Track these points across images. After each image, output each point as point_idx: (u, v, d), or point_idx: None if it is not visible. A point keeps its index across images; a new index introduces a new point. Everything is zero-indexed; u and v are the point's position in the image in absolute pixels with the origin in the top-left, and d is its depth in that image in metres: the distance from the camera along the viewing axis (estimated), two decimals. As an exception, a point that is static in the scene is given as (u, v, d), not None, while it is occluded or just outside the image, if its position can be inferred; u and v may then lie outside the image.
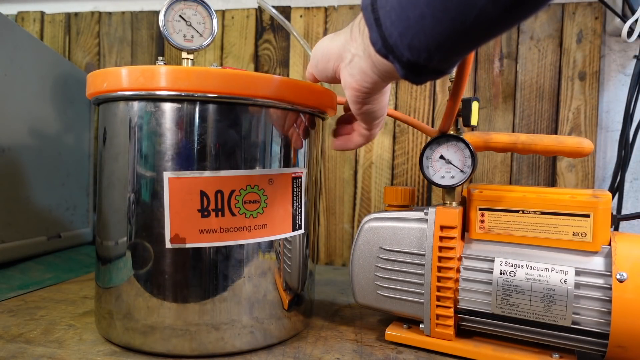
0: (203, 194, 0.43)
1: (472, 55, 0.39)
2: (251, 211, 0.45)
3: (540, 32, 0.84)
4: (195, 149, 0.43)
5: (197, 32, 0.50)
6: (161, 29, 0.49)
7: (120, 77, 0.44)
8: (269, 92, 0.44)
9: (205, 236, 0.43)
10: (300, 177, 0.49)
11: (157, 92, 0.43)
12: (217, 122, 0.43)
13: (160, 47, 0.96)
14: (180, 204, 0.43)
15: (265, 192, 0.45)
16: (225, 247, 0.44)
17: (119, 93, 0.44)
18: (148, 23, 0.97)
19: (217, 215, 0.43)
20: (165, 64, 0.46)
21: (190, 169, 0.43)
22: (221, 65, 0.82)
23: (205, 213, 0.43)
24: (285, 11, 0.92)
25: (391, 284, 0.50)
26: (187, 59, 0.51)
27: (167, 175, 0.43)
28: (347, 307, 0.63)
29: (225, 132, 0.44)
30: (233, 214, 0.44)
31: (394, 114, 0.59)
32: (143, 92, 0.43)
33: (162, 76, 0.42)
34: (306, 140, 0.50)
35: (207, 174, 0.43)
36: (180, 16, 0.49)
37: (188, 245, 0.43)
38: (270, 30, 0.93)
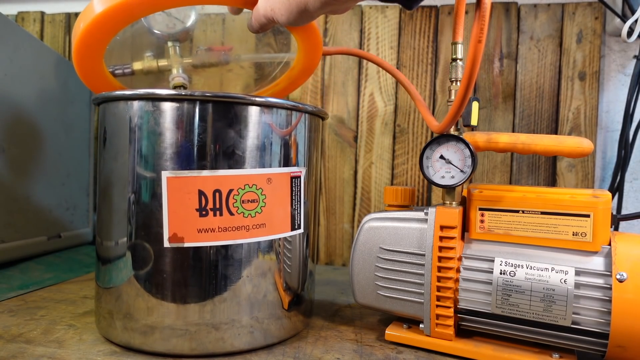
0: (201, 193, 0.43)
1: (480, 57, 0.38)
2: (249, 210, 0.44)
3: (540, 32, 0.84)
4: (194, 148, 0.43)
5: (178, 19, 0.50)
6: (144, 21, 0.49)
7: (93, 5, 0.42)
8: None
9: (204, 235, 0.43)
10: (299, 177, 0.49)
11: (157, 92, 0.43)
12: (216, 122, 0.43)
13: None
14: (178, 203, 0.43)
15: (263, 191, 0.45)
16: (224, 246, 0.44)
17: (119, 93, 0.45)
18: (148, 23, 0.97)
19: (215, 215, 0.43)
20: (154, 57, 0.46)
21: (189, 169, 0.43)
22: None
23: (204, 212, 0.43)
24: (285, 11, 0.92)
25: (391, 283, 0.50)
26: (174, 46, 0.51)
27: (165, 175, 0.43)
28: (347, 307, 0.63)
29: (223, 131, 0.44)
30: (231, 213, 0.44)
31: (409, 87, 0.58)
32: (142, 92, 0.43)
33: None
34: (305, 140, 0.50)
35: (205, 173, 0.43)
36: None
37: (186, 245, 0.43)
38: (270, 34, 0.93)
